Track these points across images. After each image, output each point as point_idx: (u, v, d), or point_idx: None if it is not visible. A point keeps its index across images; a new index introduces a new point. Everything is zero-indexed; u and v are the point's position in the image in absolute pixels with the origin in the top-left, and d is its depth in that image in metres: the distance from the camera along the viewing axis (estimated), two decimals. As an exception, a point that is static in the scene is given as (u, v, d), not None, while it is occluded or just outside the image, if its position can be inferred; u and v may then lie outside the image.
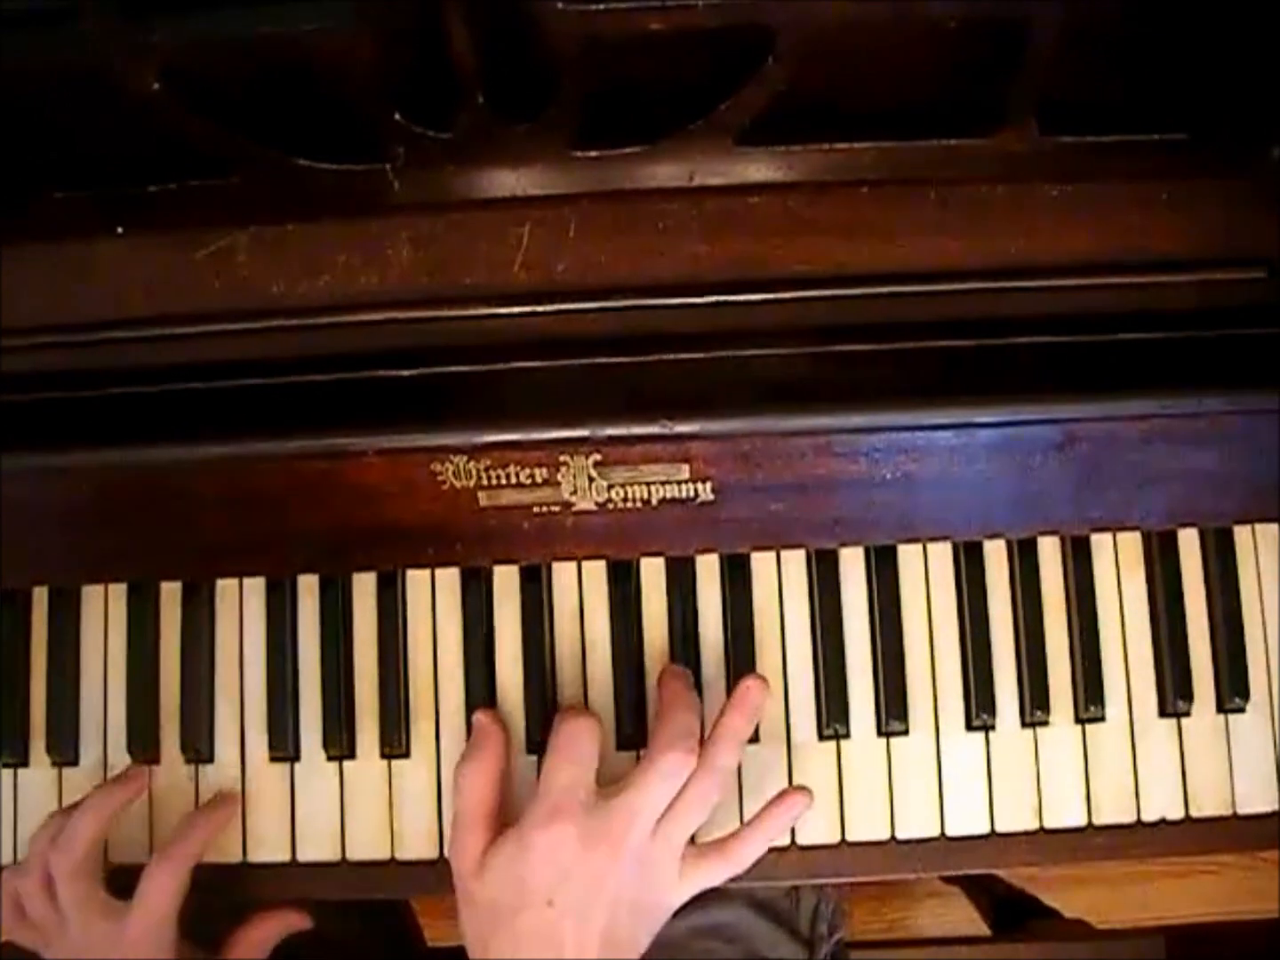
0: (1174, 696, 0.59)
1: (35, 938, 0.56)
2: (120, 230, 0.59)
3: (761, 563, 0.60)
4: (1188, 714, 0.59)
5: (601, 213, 0.58)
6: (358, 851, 0.59)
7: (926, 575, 0.60)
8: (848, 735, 0.59)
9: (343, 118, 0.54)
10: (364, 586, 0.60)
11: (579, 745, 0.52)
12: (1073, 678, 0.59)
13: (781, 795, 0.55)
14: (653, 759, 0.52)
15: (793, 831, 0.58)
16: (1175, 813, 0.58)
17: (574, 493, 0.58)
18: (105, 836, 0.56)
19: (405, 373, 0.58)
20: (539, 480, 0.58)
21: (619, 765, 0.58)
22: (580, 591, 0.60)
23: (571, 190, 0.58)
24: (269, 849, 0.59)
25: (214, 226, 0.59)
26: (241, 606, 0.60)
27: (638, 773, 0.52)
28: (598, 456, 0.58)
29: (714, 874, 0.53)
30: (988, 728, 0.59)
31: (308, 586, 0.60)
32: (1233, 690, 0.58)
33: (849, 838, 0.58)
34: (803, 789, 0.55)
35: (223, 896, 0.58)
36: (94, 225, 0.59)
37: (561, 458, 0.58)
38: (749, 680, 0.55)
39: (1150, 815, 0.58)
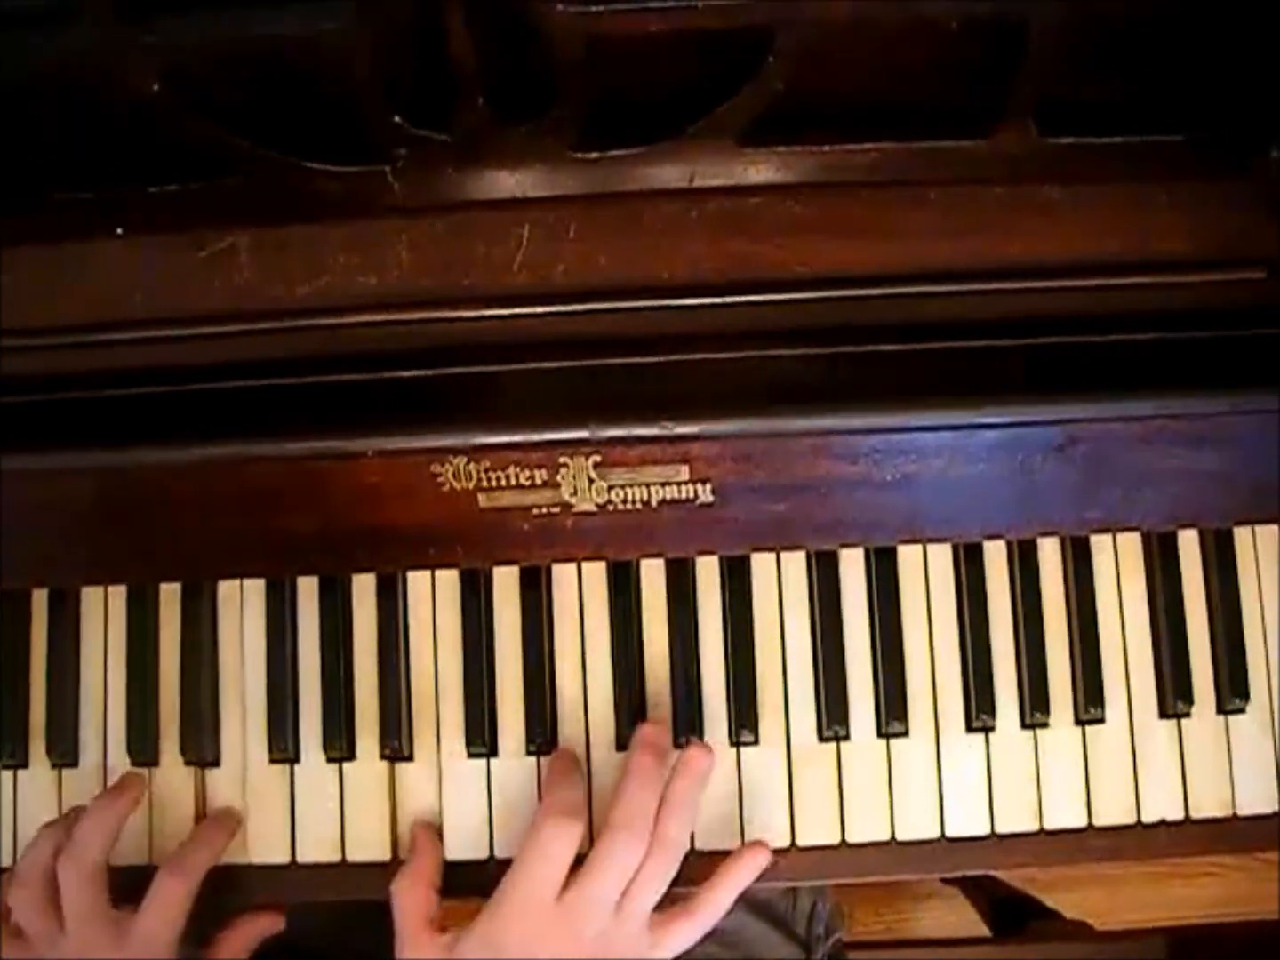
0: (1174, 698, 0.59)
1: (26, 952, 0.55)
2: (120, 231, 0.59)
3: (761, 564, 0.60)
4: (1188, 715, 0.59)
5: (601, 214, 0.58)
6: (358, 853, 0.59)
7: (926, 576, 0.60)
8: (848, 737, 0.59)
9: (343, 119, 0.54)
10: (364, 588, 0.60)
11: (556, 847, 0.53)
12: (1073, 679, 0.59)
13: (742, 850, 0.55)
14: (606, 846, 0.53)
15: (793, 833, 0.58)
16: (1175, 814, 0.58)
17: (574, 494, 0.58)
18: (113, 845, 0.56)
19: (405, 374, 0.58)
20: (539, 482, 0.58)
21: (618, 767, 0.58)
22: (580, 593, 0.60)
23: (571, 191, 0.58)
24: (269, 850, 0.59)
25: (214, 227, 0.59)
26: (242, 608, 0.60)
27: (594, 858, 0.53)
28: (597, 458, 0.58)
29: (684, 935, 0.54)
30: (988, 729, 0.59)
31: (308, 588, 0.60)
32: (1233, 691, 0.58)
33: (849, 839, 0.58)
34: (763, 844, 0.56)
35: (223, 898, 0.58)
36: (94, 226, 0.59)
37: (561, 459, 0.58)
38: (691, 749, 0.55)
39: (1150, 816, 0.58)
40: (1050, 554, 0.60)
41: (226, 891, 0.58)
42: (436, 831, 0.58)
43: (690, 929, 0.54)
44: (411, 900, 0.55)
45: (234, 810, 0.59)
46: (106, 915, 0.54)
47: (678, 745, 0.58)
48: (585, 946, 0.51)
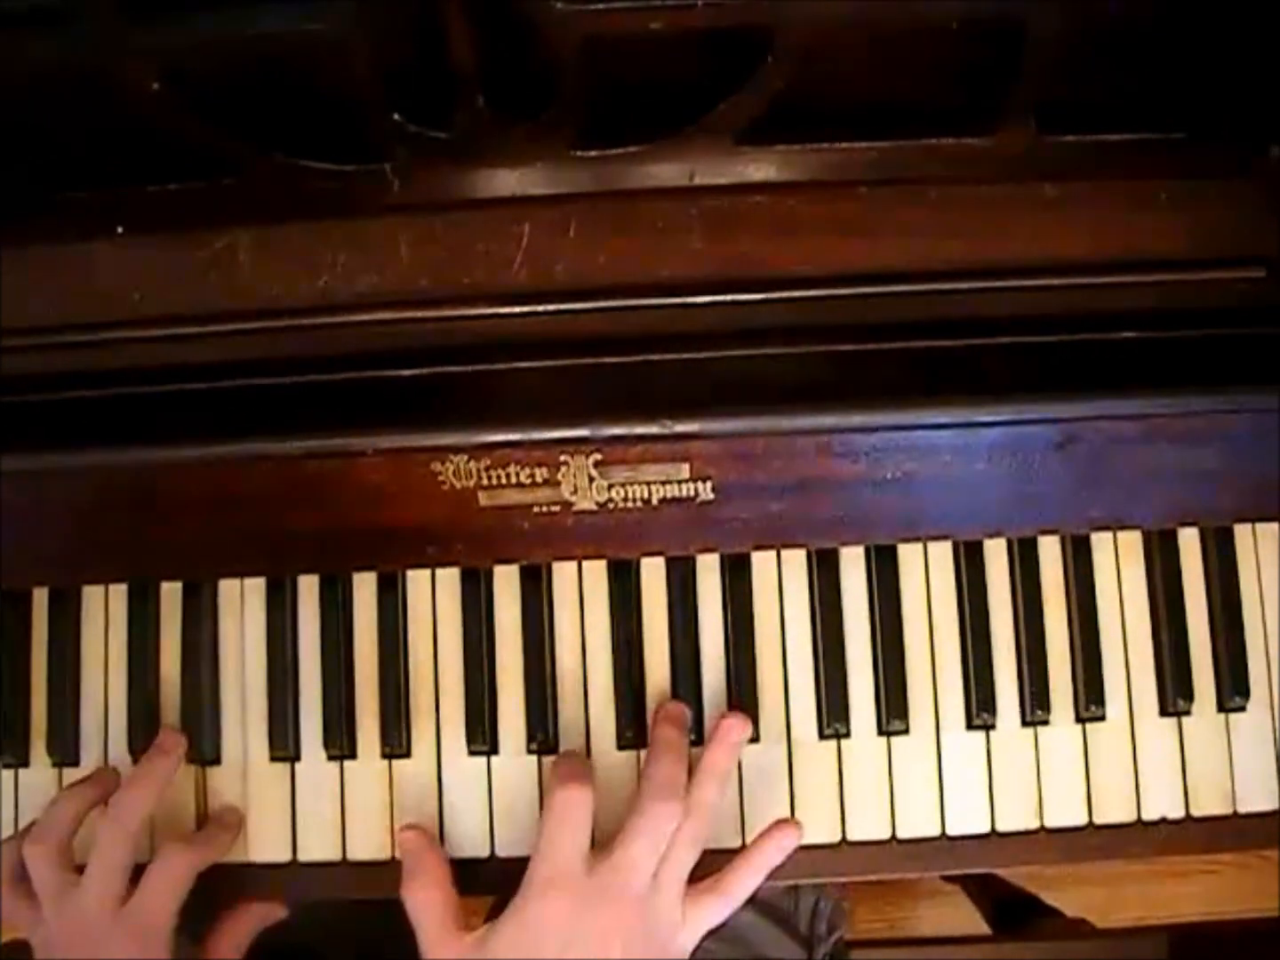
0: (1174, 695, 0.59)
1: (26, 910, 0.54)
2: (120, 231, 0.59)
3: (762, 562, 0.60)
4: (1188, 713, 0.59)
5: (601, 213, 0.58)
6: (358, 851, 0.59)
7: (927, 574, 0.60)
8: (848, 734, 0.59)
9: (342, 118, 0.54)
10: (364, 586, 0.60)
11: (572, 815, 0.52)
12: (1073, 676, 0.59)
13: (773, 827, 0.55)
14: (640, 813, 0.52)
15: (793, 831, 0.58)
16: (1176, 811, 0.58)
17: (574, 492, 0.58)
18: (154, 809, 0.56)
19: (405, 372, 0.58)
20: (539, 480, 0.58)
21: (619, 766, 0.58)
22: (580, 591, 0.60)
23: (571, 190, 0.58)
24: (269, 849, 0.59)
25: (214, 227, 0.59)
26: (242, 607, 0.60)
27: (628, 828, 0.52)
28: (598, 456, 0.58)
29: (715, 911, 0.53)
30: (988, 727, 0.59)
31: (308, 586, 0.60)
32: (1233, 689, 0.59)
33: (849, 837, 0.58)
34: (793, 821, 0.55)
35: (222, 897, 0.59)
36: (94, 226, 0.59)
37: (561, 457, 0.58)
38: (728, 718, 0.55)
39: (1151, 814, 0.58)
40: (1050, 552, 0.60)
41: (227, 890, 0.58)
42: (428, 833, 0.57)
43: (720, 907, 0.53)
44: (430, 903, 0.54)
45: (237, 809, 0.59)
46: (124, 883, 0.54)
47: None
48: (626, 915, 0.51)
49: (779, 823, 0.55)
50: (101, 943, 0.53)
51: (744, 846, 0.57)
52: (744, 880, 0.54)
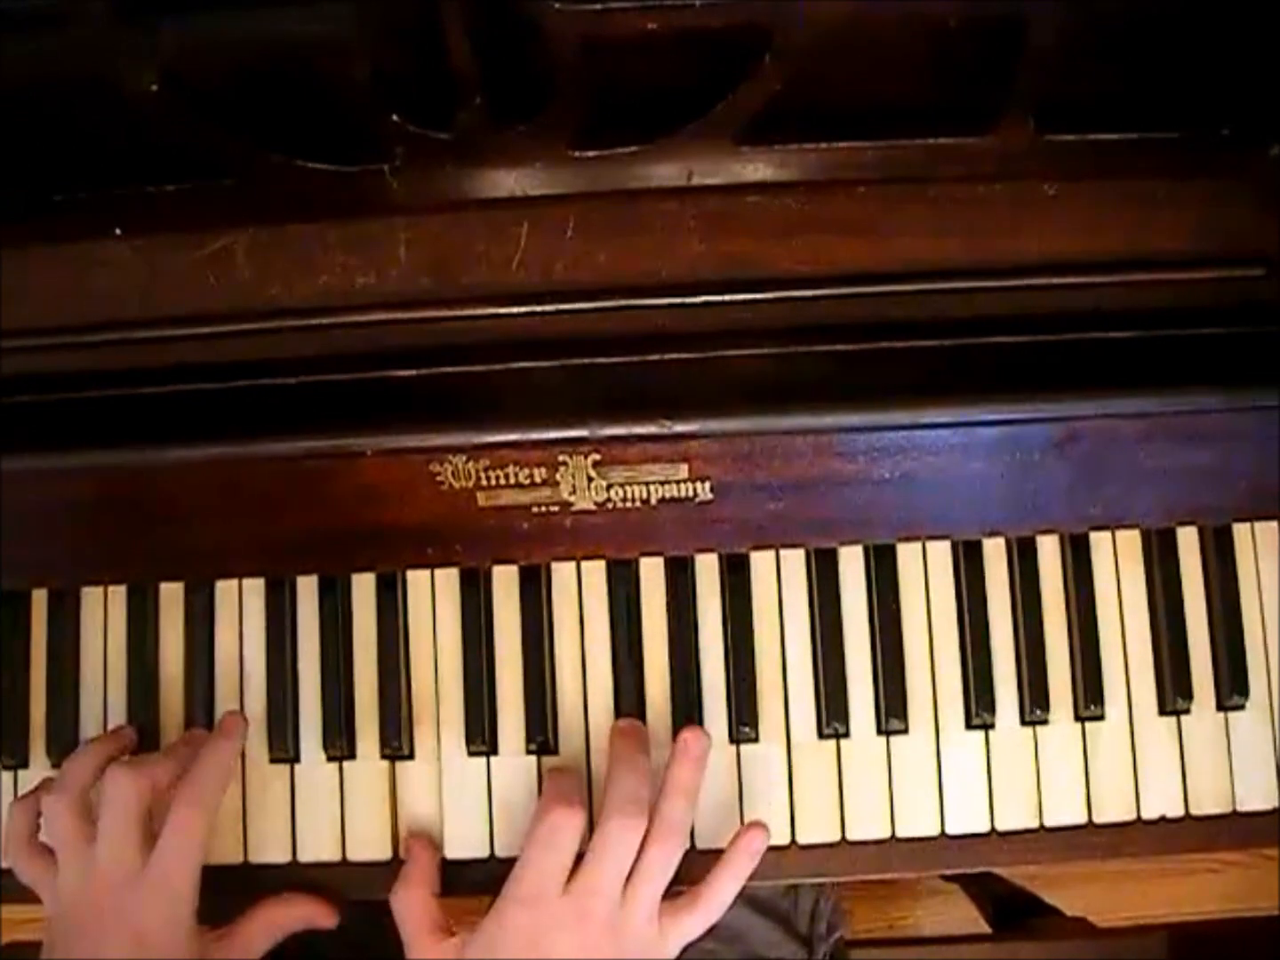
0: (1174, 694, 0.59)
1: (40, 868, 0.54)
2: (119, 232, 0.59)
3: (760, 562, 0.60)
4: (1187, 712, 0.59)
5: (599, 212, 0.58)
6: (358, 852, 0.59)
7: (926, 574, 0.60)
8: (847, 734, 0.59)
9: (341, 118, 0.54)
10: (363, 587, 0.60)
11: (560, 837, 0.52)
12: (1072, 676, 0.59)
13: (739, 834, 0.55)
14: (603, 832, 0.52)
15: (793, 830, 0.58)
16: (1175, 810, 0.58)
17: (573, 493, 0.58)
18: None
19: (404, 373, 0.58)
20: (538, 480, 0.58)
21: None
22: (579, 591, 0.60)
23: (569, 190, 0.58)
24: (269, 850, 0.59)
25: (213, 227, 0.59)
26: (241, 607, 0.60)
27: (591, 849, 0.52)
28: (596, 456, 0.58)
29: (693, 925, 0.53)
30: (987, 726, 0.59)
31: (307, 587, 0.60)
32: (1232, 688, 0.58)
33: (849, 836, 0.58)
34: (758, 824, 0.55)
35: (221, 899, 0.58)
36: (93, 227, 0.59)
37: (560, 458, 0.58)
38: (686, 732, 0.55)
39: (1150, 813, 0.58)
40: (1049, 551, 0.60)
41: (225, 891, 0.58)
42: (430, 837, 0.58)
43: (697, 920, 0.53)
44: (413, 906, 0.55)
45: (233, 718, 0.59)
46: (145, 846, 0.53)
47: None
48: (593, 937, 0.51)
49: (747, 827, 0.55)
50: (126, 903, 0.52)
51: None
52: (720, 891, 0.54)
